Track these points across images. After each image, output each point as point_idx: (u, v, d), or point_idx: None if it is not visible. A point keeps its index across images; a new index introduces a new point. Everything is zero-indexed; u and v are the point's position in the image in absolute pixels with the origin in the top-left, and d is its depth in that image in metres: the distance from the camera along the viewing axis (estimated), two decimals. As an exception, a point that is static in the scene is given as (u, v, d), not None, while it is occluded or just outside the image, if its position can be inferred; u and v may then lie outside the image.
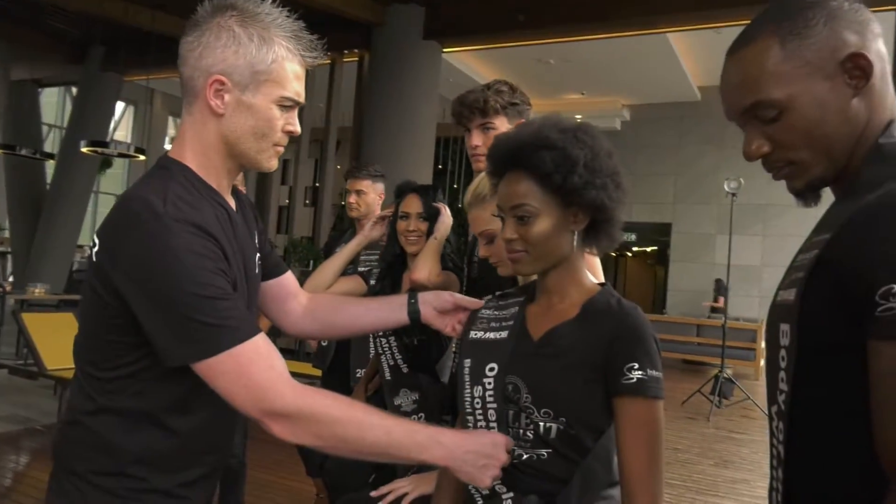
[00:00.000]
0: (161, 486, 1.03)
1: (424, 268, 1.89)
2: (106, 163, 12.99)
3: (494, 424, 1.16)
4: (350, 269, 3.00)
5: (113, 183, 15.12)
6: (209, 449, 1.10)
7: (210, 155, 1.06)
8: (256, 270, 1.18)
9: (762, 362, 9.30)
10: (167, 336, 0.95)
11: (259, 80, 1.03)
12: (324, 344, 3.10)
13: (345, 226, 11.78)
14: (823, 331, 0.80)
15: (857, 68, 0.84)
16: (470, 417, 1.20)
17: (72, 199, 10.81)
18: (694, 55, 10.69)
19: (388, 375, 2.05)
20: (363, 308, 1.38)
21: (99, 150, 9.16)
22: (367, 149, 8.06)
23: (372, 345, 2.23)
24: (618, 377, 1.09)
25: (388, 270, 2.21)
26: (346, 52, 9.31)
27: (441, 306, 1.31)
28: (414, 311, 1.32)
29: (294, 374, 1.03)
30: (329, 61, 9.47)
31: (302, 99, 1.08)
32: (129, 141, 14.35)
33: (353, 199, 3.07)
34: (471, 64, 10.84)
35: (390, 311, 1.33)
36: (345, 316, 1.35)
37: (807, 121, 0.86)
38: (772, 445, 0.91)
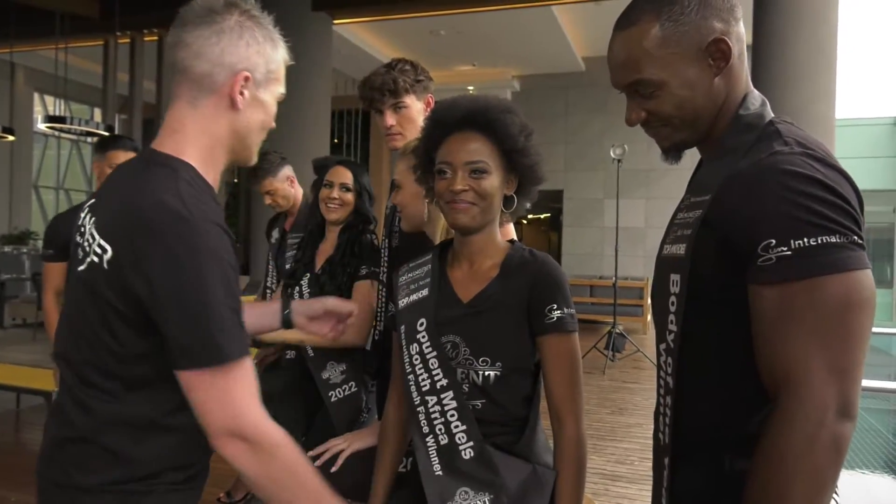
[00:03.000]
0: (170, 480, 1.05)
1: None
2: (-35, 145, 11.87)
3: (438, 371, 1.26)
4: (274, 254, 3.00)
5: (-26, 167, 13.79)
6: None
7: (216, 150, 1.08)
8: None
9: (649, 317, 9.97)
10: (178, 339, 0.95)
11: (270, 78, 1.11)
12: None
13: (238, 205, 11.35)
14: (710, 279, 0.95)
15: (719, 52, 1.00)
16: (411, 377, 1.29)
17: (-72, 185, 9.85)
18: (577, 27, 11.07)
19: (310, 352, 2.09)
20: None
21: (-41, 131, 8.38)
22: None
23: None
24: (540, 318, 1.25)
25: (309, 239, 2.24)
26: (231, 23, 8.96)
27: (311, 313, 1.40)
28: (286, 321, 1.40)
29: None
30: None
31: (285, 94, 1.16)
32: (-11, 120, 13.15)
33: (269, 201, 3.06)
34: (362, 36, 10.71)
35: (266, 318, 1.40)
36: None
37: (678, 98, 1.01)
38: (659, 377, 1.07)
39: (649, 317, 9.94)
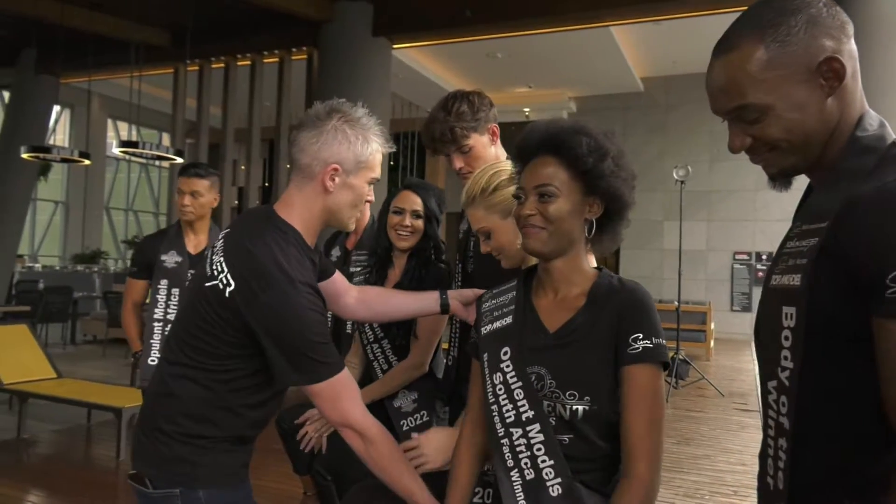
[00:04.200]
0: (224, 449, 1.38)
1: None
2: (45, 168, 12.50)
3: (524, 402, 1.21)
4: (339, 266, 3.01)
5: (52, 189, 14.52)
6: (261, 424, 1.46)
7: (313, 222, 1.43)
8: None
9: (712, 343, 9.65)
10: (287, 366, 1.31)
11: (360, 168, 1.41)
12: None
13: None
14: (828, 312, 0.87)
15: (832, 71, 0.92)
16: (494, 407, 1.24)
17: (10, 207, 10.34)
18: (636, 47, 10.96)
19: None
20: (407, 299, 1.75)
21: (41, 155, 8.82)
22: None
23: (363, 352, 2.22)
24: (624, 348, 1.18)
25: (378, 265, 2.21)
26: (294, 49, 9.20)
27: (465, 299, 1.68)
28: (444, 304, 1.68)
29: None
30: (277, 59, 9.36)
31: (379, 177, 1.47)
32: (66, 145, 13.84)
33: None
34: (420, 60, 10.85)
35: (427, 302, 1.71)
36: (392, 306, 1.73)
37: (786, 121, 0.94)
38: (767, 416, 0.98)
39: (712, 342, 9.63)
